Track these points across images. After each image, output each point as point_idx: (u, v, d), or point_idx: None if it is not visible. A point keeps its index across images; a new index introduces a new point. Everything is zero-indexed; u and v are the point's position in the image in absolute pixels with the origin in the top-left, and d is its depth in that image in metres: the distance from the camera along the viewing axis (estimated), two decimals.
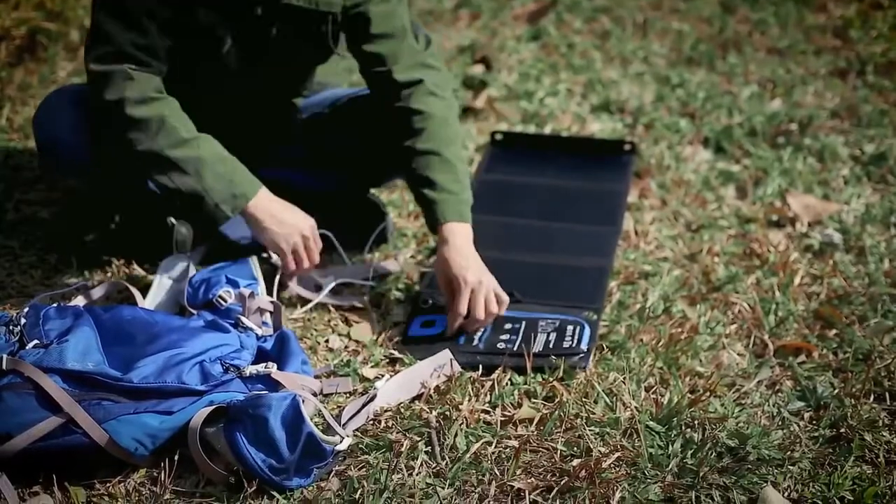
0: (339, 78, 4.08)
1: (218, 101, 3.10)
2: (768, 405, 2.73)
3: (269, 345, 2.72)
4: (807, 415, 2.71)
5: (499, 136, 4.03)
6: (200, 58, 2.99)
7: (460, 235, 3.00)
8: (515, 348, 2.87)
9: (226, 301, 2.83)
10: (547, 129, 4.23)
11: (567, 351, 2.85)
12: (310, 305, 3.05)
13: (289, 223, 2.97)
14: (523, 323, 2.98)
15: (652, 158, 3.97)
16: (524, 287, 3.10)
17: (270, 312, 2.85)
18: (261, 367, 2.57)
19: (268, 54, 3.06)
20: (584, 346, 2.86)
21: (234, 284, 2.89)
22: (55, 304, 2.77)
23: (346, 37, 3.12)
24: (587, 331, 2.92)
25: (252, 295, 2.84)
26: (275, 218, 2.96)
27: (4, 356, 2.47)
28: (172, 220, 3.13)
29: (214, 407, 2.44)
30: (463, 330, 2.95)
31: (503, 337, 2.93)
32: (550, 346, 2.88)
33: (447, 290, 2.97)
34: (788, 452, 2.55)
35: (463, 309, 2.92)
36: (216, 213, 2.92)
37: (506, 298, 2.97)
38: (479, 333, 2.94)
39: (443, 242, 2.99)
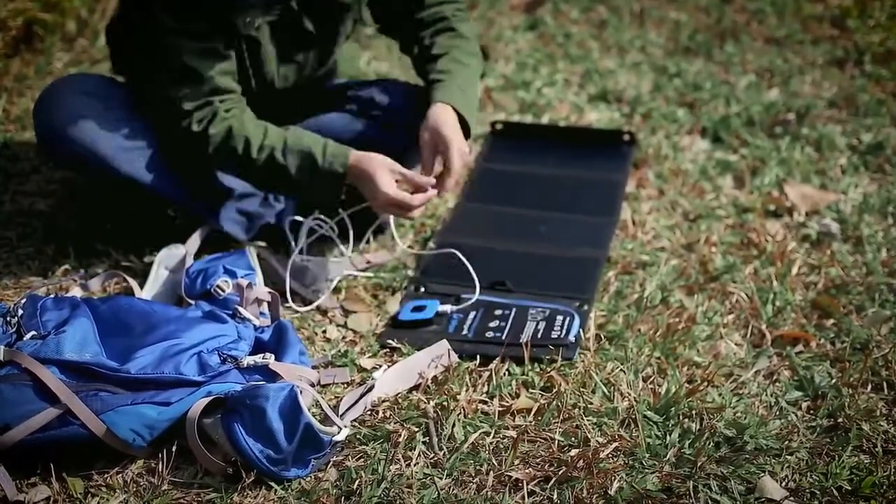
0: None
1: (253, 91, 3.13)
2: (766, 395, 2.73)
3: (266, 335, 2.72)
4: (804, 404, 2.71)
5: (499, 126, 4.03)
6: (241, 60, 3.07)
7: (449, 114, 3.09)
8: (504, 337, 2.87)
9: (223, 291, 2.83)
10: (544, 119, 4.23)
11: (555, 341, 2.85)
12: (312, 306, 3.04)
13: (371, 189, 3.00)
14: (513, 311, 2.98)
15: (650, 148, 3.96)
16: (517, 276, 3.11)
17: (268, 303, 2.85)
18: (258, 358, 2.57)
19: (305, 45, 3.14)
20: (571, 337, 2.86)
21: (232, 275, 2.89)
22: (52, 296, 2.77)
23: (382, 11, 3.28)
24: (576, 321, 2.92)
25: (250, 285, 2.84)
26: (362, 183, 3.01)
27: (2, 347, 2.47)
28: (171, 211, 3.14)
29: (212, 398, 2.44)
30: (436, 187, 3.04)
31: (492, 325, 2.94)
32: (539, 335, 2.88)
33: (430, 145, 3.06)
34: (786, 442, 2.55)
35: (459, 169, 3.04)
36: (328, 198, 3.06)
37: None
38: (468, 322, 2.95)
39: (436, 112, 3.09)
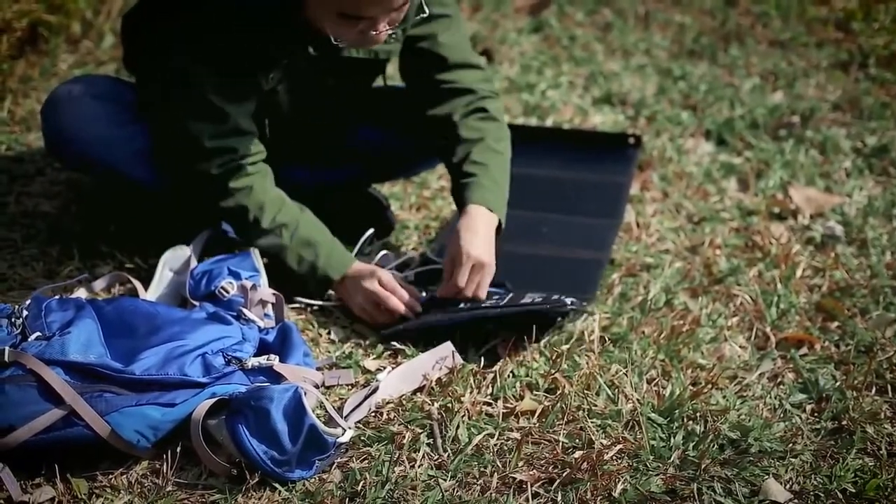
0: None
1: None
2: (770, 397, 2.73)
3: (271, 337, 2.72)
4: (809, 407, 2.71)
5: None
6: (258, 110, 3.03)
7: (482, 220, 3.01)
8: (503, 303, 2.90)
9: (228, 292, 2.83)
10: (548, 122, 4.23)
11: (553, 302, 2.86)
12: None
13: (365, 301, 2.98)
14: (509, 295, 2.99)
15: (654, 151, 3.96)
16: (519, 278, 3.10)
17: (272, 304, 2.85)
18: (263, 360, 2.57)
19: (321, 99, 3.11)
20: (569, 302, 2.86)
21: (237, 276, 2.89)
22: (57, 297, 2.76)
23: (410, 64, 3.15)
24: (570, 302, 2.90)
25: (254, 287, 2.84)
26: (358, 301, 2.98)
27: (6, 348, 2.46)
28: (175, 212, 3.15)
29: (216, 399, 2.44)
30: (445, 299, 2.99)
31: (489, 303, 2.95)
32: (537, 299, 2.89)
33: (448, 262, 2.98)
34: (790, 445, 2.55)
35: (461, 282, 2.93)
36: (311, 290, 3.02)
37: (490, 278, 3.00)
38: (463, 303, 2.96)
39: (463, 217, 3.02)
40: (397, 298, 2.94)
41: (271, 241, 2.98)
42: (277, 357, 2.59)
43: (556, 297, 2.89)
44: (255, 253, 3.02)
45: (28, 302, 2.67)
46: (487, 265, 2.95)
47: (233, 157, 2.94)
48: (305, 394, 2.41)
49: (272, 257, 3.01)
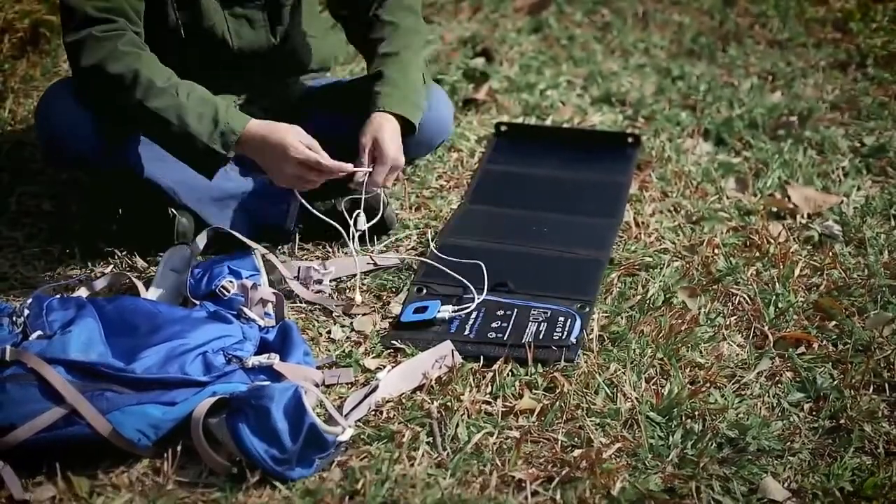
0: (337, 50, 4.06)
1: (222, 81, 3.13)
2: (768, 396, 2.74)
3: (271, 336, 2.73)
4: (806, 406, 2.72)
5: (503, 128, 4.04)
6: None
7: (390, 120, 3.09)
8: (506, 338, 2.89)
9: (228, 291, 2.84)
10: (548, 121, 4.24)
11: (557, 342, 2.86)
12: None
13: (277, 156, 2.95)
14: (514, 311, 3.00)
15: (653, 150, 3.97)
16: (519, 278, 3.12)
17: (273, 304, 2.86)
18: (263, 359, 2.57)
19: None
20: (573, 339, 2.87)
21: (237, 275, 2.89)
22: (58, 296, 2.77)
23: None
24: (578, 323, 2.93)
25: (255, 286, 2.85)
26: (265, 152, 2.96)
27: (7, 347, 2.47)
28: (174, 210, 3.15)
29: (217, 398, 2.45)
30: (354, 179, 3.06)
31: (493, 325, 2.95)
32: (540, 336, 2.89)
33: (366, 147, 3.04)
34: (788, 443, 2.57)
35: (379, 180, 3.06)
36: (211, 156, 2.94)
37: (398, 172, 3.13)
38: (469, 323, 2.96)
39: (376, 119, 3.09)
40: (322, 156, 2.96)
41: (167, 102, 2.89)
42: (278, 356, 2.60)
43: (558, 333, 2.91)
44: (256, 253, 3.03)
45: (29, 301, 2.68)
46: (401, 165, 3.10)
47: (118, 25, 2.94)
48: (306, 393, 2.42)
49: (166, 129, 2.91)
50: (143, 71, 2.90)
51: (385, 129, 3.06)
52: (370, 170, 3.04)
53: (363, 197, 3.10)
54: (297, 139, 2.93)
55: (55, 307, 2.66)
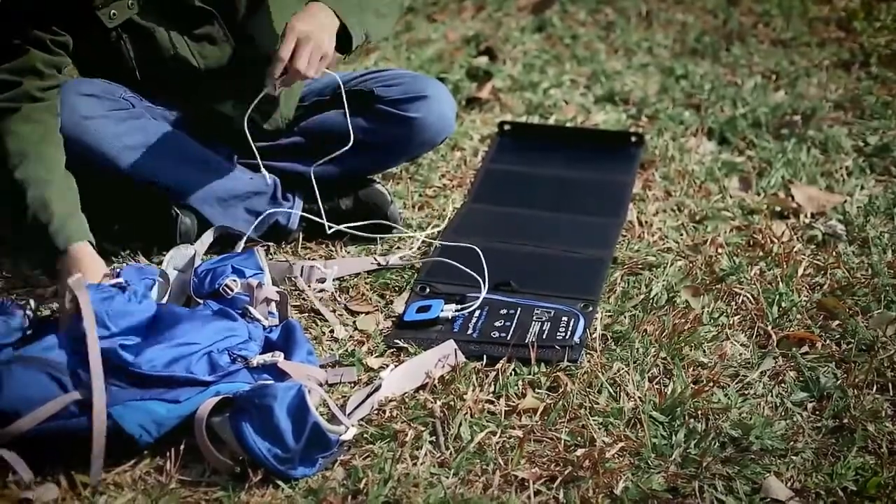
0: None
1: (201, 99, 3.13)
2: (771, 396, 2.74)
3: (275, 335, 2.72)
4: (810, 405, 2.72)
5: (506, 127, 4.05)
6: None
7: (322, 11, 2.99)
8: (509, 337, 2.89)
9: (232, 290, 2.83)
10: (551, 120, 4.24)
11: (560, 342, 2.86)
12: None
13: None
14: (518, 311, 3.00)
15: (656, 149, 3.97)
16: (522, 277, 3.12)
17: (276, 303, 2.85)
18: (268, 357, 2.57)
19: (199, 18, 3.12)
20: (576, 339, 2.87)
21: (241, 274, 2.89)
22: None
23: None
24: (581, 322, 2.94)
25: (259, 285, 2.84)
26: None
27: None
28: (176, 210, 3.15)
29: (221, 397, 2.45)
30: (289, 78, 2.98)
31: (497, 324, 2.95)
32: (544, 336, 2.89)
33: (288, 37, 2.95)
34: (791, 443, 2.56)
35: (283, 54, 2.92)
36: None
37: (330, 54, 2.98)
38: (472, 322, 2.96)
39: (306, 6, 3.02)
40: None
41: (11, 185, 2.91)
42: (282, 354, 2.60)
43: (562, 333, 2.91)
44: (259, 252, 3.03)
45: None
46: (315, 39, 2.93)
47: (19, 92, 2.95)
48: (309, 392, 2.42)
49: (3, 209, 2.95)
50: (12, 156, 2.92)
51: (303, 12, 2.99)
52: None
53: (276, 91, 3.07)
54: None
55: None
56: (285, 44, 2.92)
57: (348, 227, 3.26)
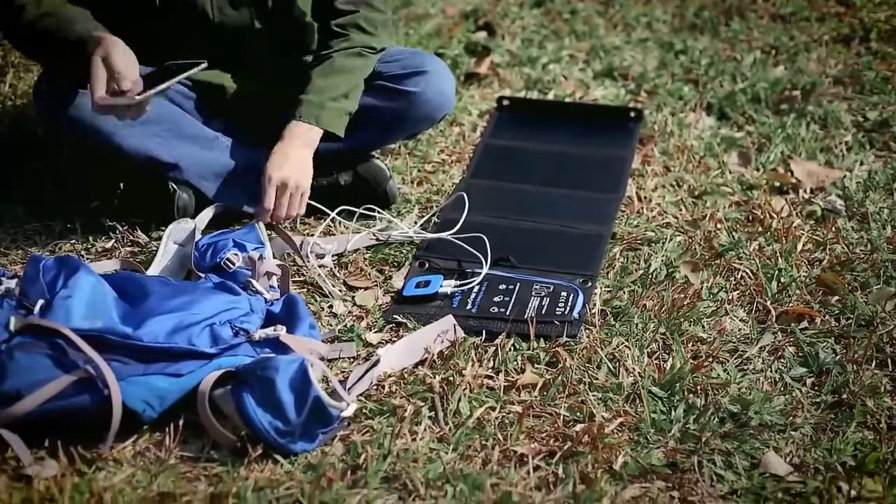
0: None
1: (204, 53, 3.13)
2: (770, 371, 2.74)
3: (277, 308, 2.72)
4: (809, 381, 2.72)
5: (504, 102, 4.04)
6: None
7: (298, 137, 3.12)
8: (508, 312, 2.89)
9: (233, 264, 2.84)
10: (550, 96, 4.23)
11: (559, 317, 2.86)
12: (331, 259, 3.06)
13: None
14: (517, 286, 3.00)
15: (655, 125, 3.97)
16: (521, 252, 3.12)
17: (277, 276, 2.85)
18: (270, 331, 2.57)
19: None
20: (575, 314, 2.88)
21: (242, 248, 2.89)
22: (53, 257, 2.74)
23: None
24: (580, 298, 2.94)
25: (261, 258, 2.84)
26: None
27: (12, 318, 2.46)
28: (174, 185, 3.15)
29: (223, 371, 2.45)
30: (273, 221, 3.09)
31: (496, 300, 2.95)
32: (543, 311, 2.89)
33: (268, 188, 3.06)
34: (790, 418, 2.56)
35: (267, 205, 3.06)
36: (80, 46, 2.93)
37: (307, 187, 3.12)
38: (471, 297, 2.96)
39: (279, 139, 3.11)
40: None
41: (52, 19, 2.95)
42: (284, 328, 2.60)
43: (561, 308, 2.91)
44: (260, 225, 3.03)
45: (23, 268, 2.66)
46: (292, 183, 3.07)
47: None
48: (311, 365, 2.42)
49: (45, 39, 2.97)
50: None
51: (276, 154, 3.10)
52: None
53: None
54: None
55: (51, 267, 2.63)
56: (267, 195, 3.05)
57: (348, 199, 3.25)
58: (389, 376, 2.64)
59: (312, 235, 3.16)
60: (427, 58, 3.41)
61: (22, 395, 2.35)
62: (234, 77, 3.22)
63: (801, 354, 2.80)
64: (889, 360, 2.78)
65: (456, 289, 2.98)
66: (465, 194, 3.31)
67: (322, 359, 2.62)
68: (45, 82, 3.08)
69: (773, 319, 2.92)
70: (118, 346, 2.44)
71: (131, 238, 3.16)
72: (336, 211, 3.22)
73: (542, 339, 2.79)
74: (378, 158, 3.41)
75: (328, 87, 3.15)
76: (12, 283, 2.61)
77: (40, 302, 2.53)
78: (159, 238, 3.06)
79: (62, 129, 3.07)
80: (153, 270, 2.95)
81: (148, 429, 2.45)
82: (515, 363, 2.72)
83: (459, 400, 2.56)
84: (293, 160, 3.09)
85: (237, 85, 3.20)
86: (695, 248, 3.20)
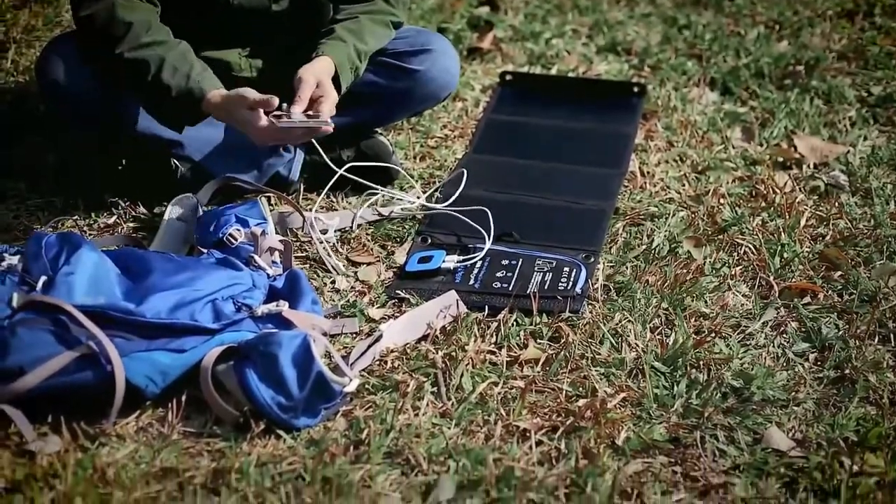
0: None
1: (222, 35, 3.15)
2: (773, 346, 2.74)
3: (279, 284, 2.72)
4: (811, 356, 2.72)
5: (507, 77, 4.04)
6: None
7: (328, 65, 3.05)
8: (511, 288, 2.89)
9: (236, 240, 2.83)
10: (553, 71, 4.22)
11: (562, 292, 2.86)
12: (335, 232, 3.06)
13: (242, 125, 2.93)
14: (520, 261, 3.00)
15: (658, 100, 3.96)
16: (524, 227, 3.12)
17: (280, 252, 2.85)
18: (272, 306, 2.57)
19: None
20: (578, 289, 2.88)
21: (244, 224, 2.89)
22: (55, 234, 2.74)
23: None
24: (583, 273, 2.94)
25: (263, 233, 2.84)
26: (232, 120, 2.95)
27: (15, 294, 2.47)
28: (175, 161, 3.15)
29: (226, 346, 2.45)
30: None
31: (499, 275, 2.95)
32: (546, 287, 2.89)
33: (304, 86, 2.95)
34: (793, 393, 2.57)
35: (304, 94, 2.93)
36: (178, 111, 2.96)
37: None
38: (474, 272, 2.96)
39: (323, 63, 3.04)
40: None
41: (147, 54, 2.92)
42: (287, 303, 2.60)
43: (563, 283, 2.91)
44: (263, 201, 3.02)
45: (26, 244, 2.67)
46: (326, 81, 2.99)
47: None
48: (314, 341, 2.42)
49: (140, 77, 2.93)
50: (134, 25, 2.92)
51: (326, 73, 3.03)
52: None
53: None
54: (256, 113, 2.88)
55: (53, 243, 2.63)
56: (304, 88, 2.94)
57: (351, 174, 3.24)
58: (392, 352, 2.64)
59: (315, 211, 3.16)
60: (432, 36, 3.41)
61: (25, 371, 2.35)
62: (241, 54, 3.21)
63: (803, 330, 2.80)
64: (892, 336, 2.78)
65: (458, 264, 2.98)
66: (464, 170, 3.31)
67: (325, 334, 2.62)
68: (46, 59, 3.06)
69: (776, 295, 2.92)
70: (121, 322, 2.45)
71: (133, 214, 3.16)
72: (344, 168, 3.20)
73: (544, 315, 2.79)
74: (381, 134, 3.41)
75: (349, 35, 3.13)
76: (15, 260, 2.62)
77: (43, 278, 2.54)
78: (161, 213, 3.06)
79: (65, 108, 3.06)
80: (155, 246, 2.95)
81: (151, 404, 2.45)
82: (518, 338, 2.72)
83: (462, 375, 2.57)
84: (323, 71, 3.02)
85: (242, 62, 3.19)
86: (698, 224, 3.20)
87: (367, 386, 2.54)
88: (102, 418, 2.38)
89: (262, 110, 2.85)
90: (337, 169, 3.19)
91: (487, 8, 4.70)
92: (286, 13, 3.21)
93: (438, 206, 3.22)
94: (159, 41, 2.94)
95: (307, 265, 3.00)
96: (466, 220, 3.11)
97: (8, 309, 2.45)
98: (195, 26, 3.08)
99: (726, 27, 4.62)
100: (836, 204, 3.33)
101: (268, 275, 2.75)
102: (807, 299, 2.91)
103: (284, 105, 2.89)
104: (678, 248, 3.08)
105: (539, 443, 2.40)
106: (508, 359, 2.65)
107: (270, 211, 3.09)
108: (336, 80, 3.03)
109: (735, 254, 3.09)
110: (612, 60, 4.32)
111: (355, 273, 2.99)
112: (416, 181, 3.40)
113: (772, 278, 2.98)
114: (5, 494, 2.22)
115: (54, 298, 2.44)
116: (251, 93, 2.87)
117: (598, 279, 2.93)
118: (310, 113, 2.90)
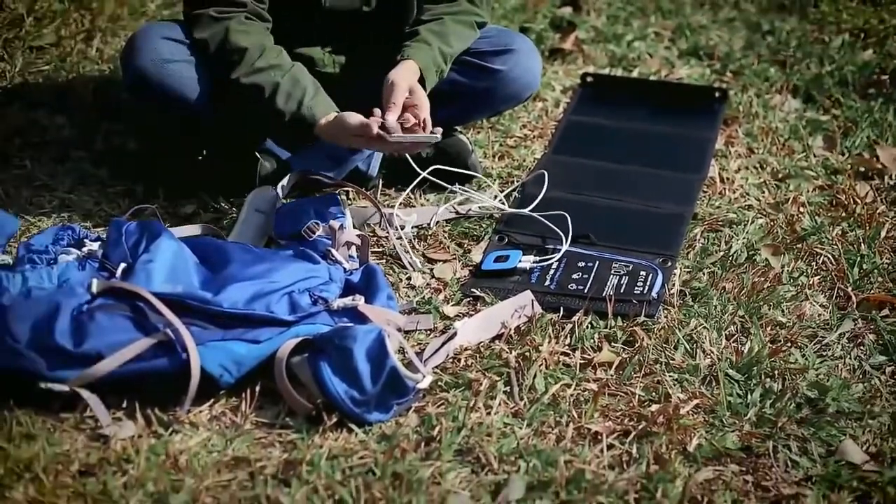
0: None
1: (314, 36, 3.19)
2: (849, 358, 2.72)
3: (356, 278, 2.73)
4: (888, 369, 2.69)
5: (589, 79, 4.03)
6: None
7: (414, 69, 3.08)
8: (586, 290, 2.88)
9: (314, 233, 2.85)
10: (634, 73, 4.21)
11: (638, 297, 2.85)
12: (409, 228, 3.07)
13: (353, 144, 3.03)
14: (596, 263, 2.99)
15: (740, 105, 3.94)
16: (601, 230, 3.11)
17: (357, 246, 2.86)
18: (348, 300, 2.58)
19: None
20: (654, 293, 2.86)
21: (322, 217, 2.90)
22: (135, 221, 2.77)
23: None
24: (660, 278, 2.92)
25: (341, 227, 2.85)
26: (341, 142, 3.03)
27: (95, 280, 2.49)
28: (258, 153, 3.17)
29: (301, 339, 2.46)
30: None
31: (574, 276, 2.95)
32: (622, 290, 2.88)
33: (397, 91, 2.98)
34: (868, 406, 2.54)
35: (396, 100, 2.96)
36: (292, 135, 3.06)
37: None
38: (550, 273, 2.95)
39: (410, 67, 3.07)
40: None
41: (262, 80, 2.98)
42: (363, 298, 2.61)
43: (639, 287, 2.90)
44: (341, 195, 3.03)
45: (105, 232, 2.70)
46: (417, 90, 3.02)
47: (233, 11, 3.04)
48: (388, 336, 2.43)
49: (254, 101, 3.00)
50: (248, 51, 2.99)
51: (415, 77, 3.07)
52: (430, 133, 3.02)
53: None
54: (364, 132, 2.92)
55: (133, 231, 2.66)
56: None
57: (430, 175, 3.25)
58: (466, 350, 2.65)
59: (393, 207, 3.17)
60: (515, 36, 3.41)
61: (102, 355, 2.37)
62: (325, 50, 3.23)
63: (881, 342, 2.77)
64: None
65: (535, 264, 2.98)
66: (545, 171, 3.31)
67: (399, 330, 2.63)
68: (133, 48, 3.09)
69: (854, 306, 2.89)
70: (198, 310, 2.47)
71: (213, 204, 3.18)
72: (428, 171, 3.22)
73: (619, 318, 2.78)
74: (461, 132, 3.41)
75: (434, 38, 3.16)
76: (95, 246, 2.65)
77: (122, 265, 2.57)
78: (241, 205, 3.07)
79: (149, 99, 3.09)
80: (234, 237, 2.97)
81: (224, 394, 2.47)
82: (592, 341, 2.71)
83: (535, 376, 2.56)
84: (412, 75, 3.07)
85: (325, 58, 3.21)
86: (776, 232, 3.18)
87: (439, 383, 2.54)
88: (176, 406, 2.40)
89: (374, 124, 2.89)
90: (420, 171, 3.21)
91: (570, 8, 4.69)
92: (374, 13, 3.22)
93: (510, 208, 3.22)
94: (273, 65, 3.00)
95: (384, 260, 3.01)
96: (544, 220, 3.11)
97: (87, 294, 2.48)
98: (288, 27, 3.12)
99: (810, 34, 4.58)
100: None
101: (344, 269, 2.76)
102: (885, 312, 2.89)
103: (376, 111, 2.92)
104: (756, 255, 3.06)
105: (610, 446, 2.40)
106: (582, 361, 2.65)
107: (349, 205, 3.10)
108: (421, 84, 3.04)
109: (813, 263, 3.06)
110: (693, 65, 4.30)
111: (431, 270, 2.99)
112: (494, 181, 3.40)
113: (850, 289, 2.95)
114: (79, 477, 2.24)
115: (133, 285, 2.47)
116: (353, 120, 2.92)
117: (674, 284, 2.92)
118: (417, 125, 2.96)
